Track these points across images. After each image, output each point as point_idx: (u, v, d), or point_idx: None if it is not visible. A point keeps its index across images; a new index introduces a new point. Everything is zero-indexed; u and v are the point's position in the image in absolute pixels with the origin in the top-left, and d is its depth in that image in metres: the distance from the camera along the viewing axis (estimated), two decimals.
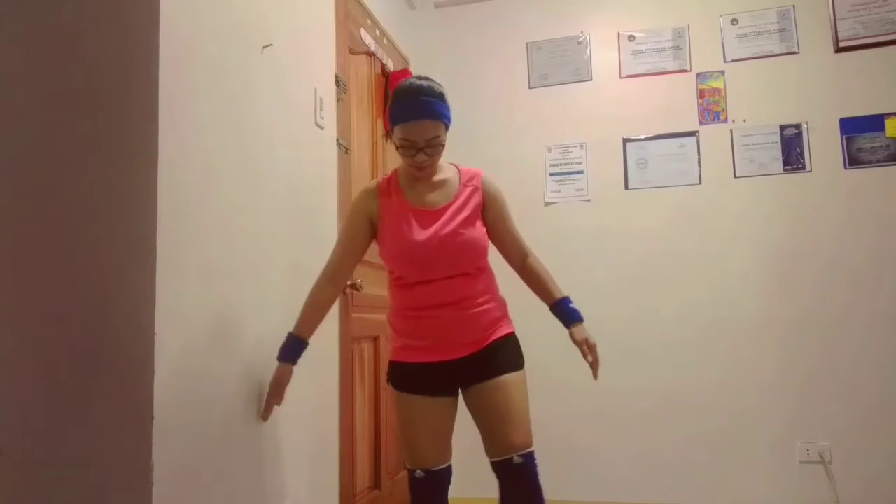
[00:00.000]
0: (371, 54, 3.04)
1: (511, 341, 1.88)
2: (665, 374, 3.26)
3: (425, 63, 3.61)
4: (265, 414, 1.87)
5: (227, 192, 1.82)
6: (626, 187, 3.43)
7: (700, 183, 3.33)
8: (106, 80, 1.56)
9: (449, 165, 1.93)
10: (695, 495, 3.16)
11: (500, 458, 1.76)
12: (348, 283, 1.95)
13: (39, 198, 1.57)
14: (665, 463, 3.21)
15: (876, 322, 3.04)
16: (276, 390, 1.86)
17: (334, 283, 1.91)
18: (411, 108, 1.75)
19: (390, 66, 3.24)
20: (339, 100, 2.59)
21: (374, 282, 2.66)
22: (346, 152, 2.64)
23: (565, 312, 1.92)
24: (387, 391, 1.84)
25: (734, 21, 3.37)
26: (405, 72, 3.27)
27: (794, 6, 3.29)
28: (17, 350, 1.54)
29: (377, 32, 3.12)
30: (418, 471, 1.83)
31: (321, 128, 2.43)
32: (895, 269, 3.04)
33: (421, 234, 1.79)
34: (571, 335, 1.92)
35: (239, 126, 1.89)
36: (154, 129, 1.52)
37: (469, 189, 1.87)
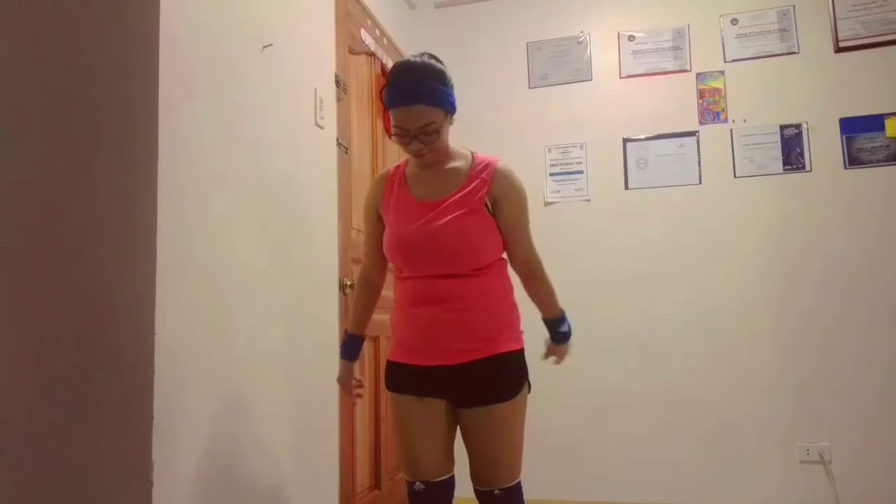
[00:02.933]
0: (371, 54, 3.04)
1: (513, 360, 1.67)
2: (665, 374, 3.26)
3: None
4: (354, 400, 1.86)
5: (227, 192, 1.82)
6: (626, 187, 3.43)
7: (700, 183, 3.33)
8: (106, 80, 1.56)
9: (465, 152, 1.75)
10: (695, 495, 3.16)
11: (482, 489, 1.67)
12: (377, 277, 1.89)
13: (39, 198, 1.57)
14: (665, 463, 3.21)
15: (876, 322, 3.04)
16: (346, 388, 1.85)
17: (369, 284, 1.87)
18: (402, 91, 1.58)
19: (390, 66, 3.24)
20: (339, 100, 2.59)
21: None
22: (346, 152, 2.64)
23: (551, 330, 1.83)
24: (387, 392, 1.81)
25: (734, 21, 3.37)
26: None
27: (794, 6, 3.29)
28: (17, 350, 1.54)
29: (377, 32, 3.12)
30: (417, 483, 1.66)
31: (321, 128, 2.43)
32: (895, 269, 3.05)
33: (412, 224, 1.65)
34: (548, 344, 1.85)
35: (239, 126, 1.89)
36: (154, 129, 1.53)
37: (476, 181, 1.67)
